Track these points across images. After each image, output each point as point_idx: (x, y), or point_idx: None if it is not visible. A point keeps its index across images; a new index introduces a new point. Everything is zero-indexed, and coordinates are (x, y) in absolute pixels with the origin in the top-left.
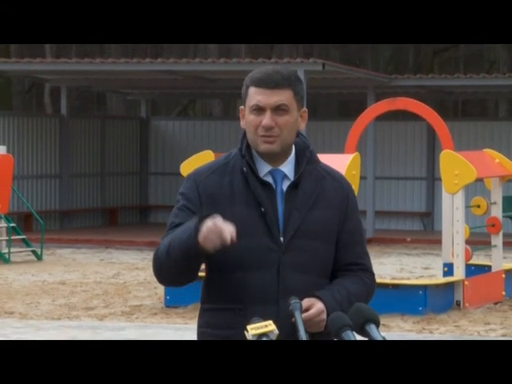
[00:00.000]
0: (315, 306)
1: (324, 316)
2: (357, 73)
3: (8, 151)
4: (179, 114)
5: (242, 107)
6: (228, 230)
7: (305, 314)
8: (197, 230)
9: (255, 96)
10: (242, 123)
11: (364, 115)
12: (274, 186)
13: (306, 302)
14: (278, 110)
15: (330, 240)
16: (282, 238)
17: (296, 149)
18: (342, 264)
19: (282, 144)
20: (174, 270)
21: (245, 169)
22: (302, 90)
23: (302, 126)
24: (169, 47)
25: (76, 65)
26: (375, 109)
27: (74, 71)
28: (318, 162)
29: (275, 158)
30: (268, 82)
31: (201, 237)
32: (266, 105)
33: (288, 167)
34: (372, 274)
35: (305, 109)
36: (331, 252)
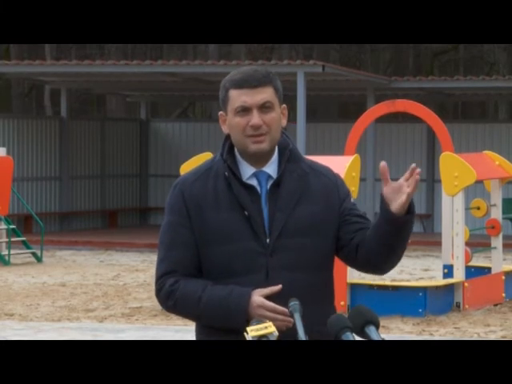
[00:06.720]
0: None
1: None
2: (357, 75)
3: (8, 153)
4: (179, 116)
5: (221, 112)
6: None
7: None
8: (244, 314)
9: (239, 98)
10: (224, 128)
11: (364, 117)
12: (258, 188)
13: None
14: (264, 107)
15: (322, 234)
16: (268, 240)
17: (279, 148)
18: (352, 232)
19: (271, 142)
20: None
21: (226, 173)
22: (281, 86)
23: (284, 122)
24: (169, 49)
25: (76, 67)
26: (375, 111)
27: (74, 73)
28: (301, 159)
29: (261, 158)
30: (250, 82)
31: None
32: (252, 104)
33: (271, 168)
34: None
35: (284, 105)
36: (325, 246)
